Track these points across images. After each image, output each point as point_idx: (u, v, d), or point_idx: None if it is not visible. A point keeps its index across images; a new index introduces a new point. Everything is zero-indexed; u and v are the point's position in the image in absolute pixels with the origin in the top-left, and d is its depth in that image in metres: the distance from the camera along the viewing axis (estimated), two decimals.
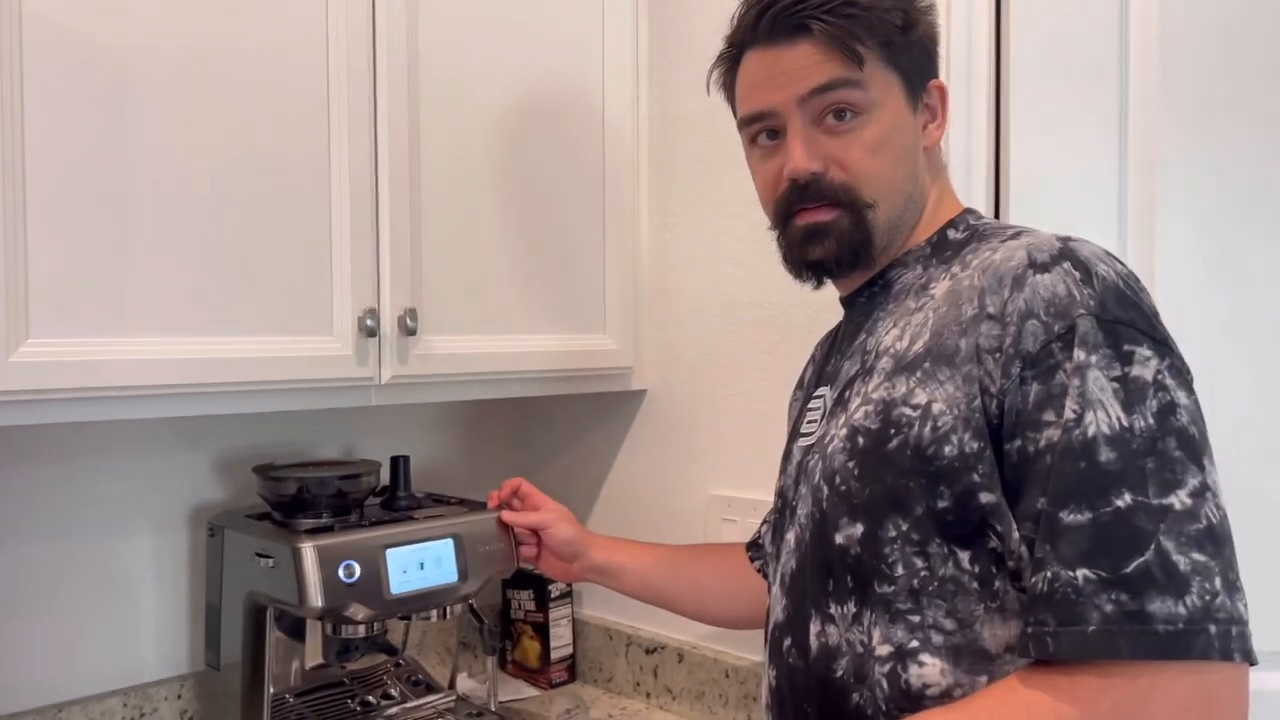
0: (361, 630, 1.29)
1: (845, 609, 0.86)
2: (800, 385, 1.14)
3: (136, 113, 1.07)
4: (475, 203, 1.39)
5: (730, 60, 0.98)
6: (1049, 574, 0.72)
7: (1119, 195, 1.25)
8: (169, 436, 1.43)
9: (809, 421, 0.99)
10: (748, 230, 1.48)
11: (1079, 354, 0.75)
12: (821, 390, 0.99)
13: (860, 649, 0.84)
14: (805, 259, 0.94)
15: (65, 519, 1.34)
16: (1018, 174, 1.26)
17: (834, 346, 1.05)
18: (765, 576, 1.18)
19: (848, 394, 0.92)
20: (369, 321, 1.24)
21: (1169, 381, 0.75)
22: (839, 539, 0.86)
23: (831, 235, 0.92)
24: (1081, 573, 0.71)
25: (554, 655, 1.68)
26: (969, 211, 0.97)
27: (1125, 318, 0.76)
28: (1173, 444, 0.73)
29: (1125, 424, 0.73)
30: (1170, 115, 1.25)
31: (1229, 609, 0.70)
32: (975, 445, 0.79)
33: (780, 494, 1.02)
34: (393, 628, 1.43)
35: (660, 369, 1.63)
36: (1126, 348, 0.75)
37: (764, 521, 1.22)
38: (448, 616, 1.33)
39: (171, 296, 1.10)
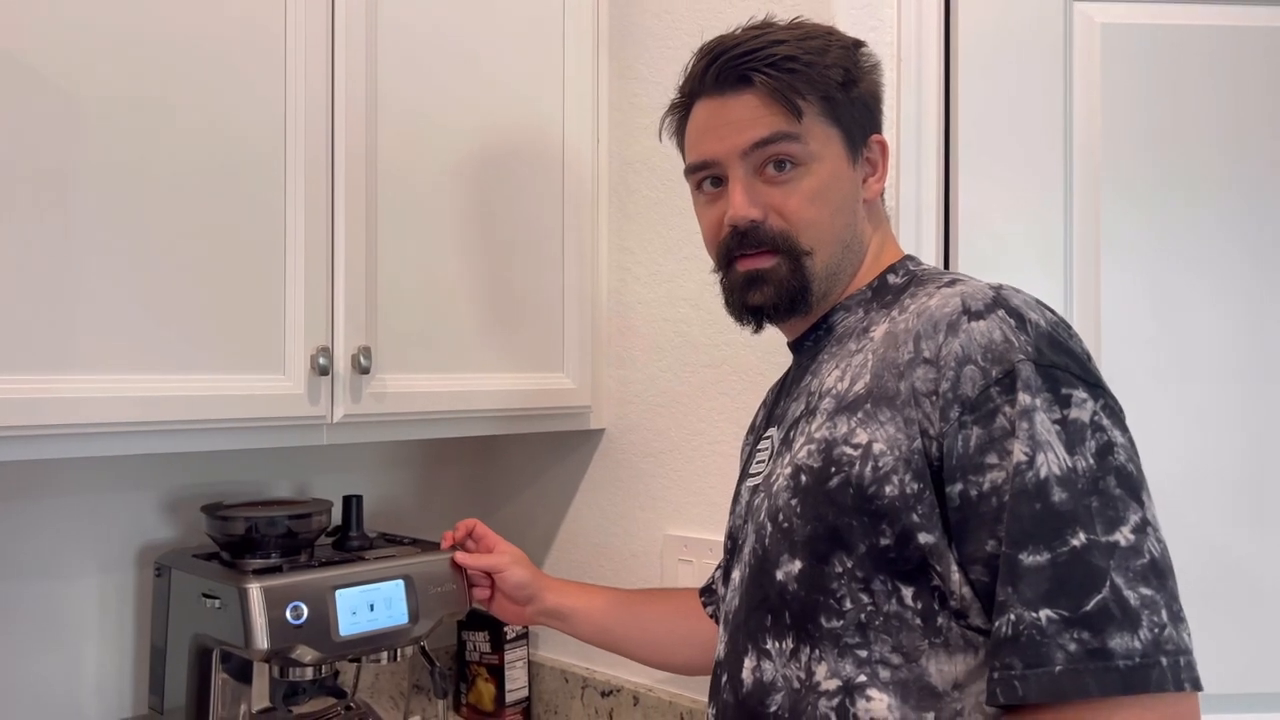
0: (309, 673, 1.27)
1: (783, 644, 0.86)
2: (751, 429, 1.15)
3: (83, 145, 1.06)
4: (433, 240, 1.39)
5: (681, 109, 1.02)
6: (1012, 617, 0.73)
7: (1064, 244, 1.29)
8: (115, 474, 1.40)
9: (757, 462, 1.00)
10: (702, 273, 1.49)
11: (1023, 398, 0.76)
12: (770, 432, 1.01)
13: (798, 684, 0.84)
14: (745, 303, 0.97)
15: (6, 559, 1.31)
16: (966, 224, 1.29)
17: (783, 389, 1.06)
18: (717, 622, 1.18)
19: (793, 434, 0.94)
20: (321, 360, 1.23)
21: (1105, 421, 0.77)
22: (779, 575, 0.87)
23: (770, 281, 0.95)
24: (1044, 613, 0.72)
25: (509, 698, 1.66)
26: (909, 258, 1.00)
27: (1060, 362, 0.78)
28: (1113, 482, 0.75)
29: (1069, 464, 0.75)
30: (1112, 170, 1.29)
31: (1176, 640, 0.72)
32: (915, 486, 0.80)
33: (729, 535, 1.03)
34: (343, 670, 1.41)
35: (618, 408, 1.63)
36: (1064, 391, 0.77)
37: (718, 567, 1.22)
38: (399, 659, 1.31)
39: (119, 333, 1.09)
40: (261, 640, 1.15)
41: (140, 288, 1.11)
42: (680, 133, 1.03)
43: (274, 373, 1.21)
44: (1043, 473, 0.74)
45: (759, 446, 1.02)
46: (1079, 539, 0.73)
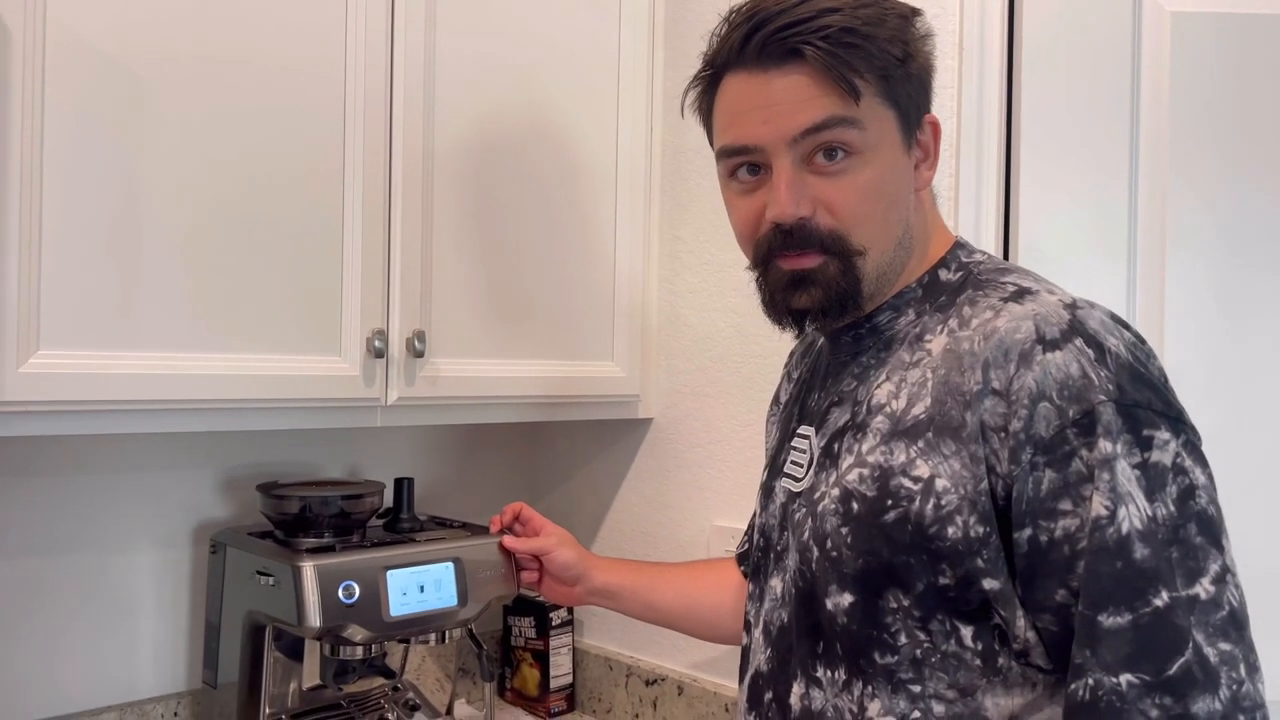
0: (359, 652, 1.28)
1: (835, 674, 0.84)
2: (776, 401, 1.11)
3: (152, 127, 1.09)
4: (486, 226, 1.40)
5: (709, 81, 0.89)
6: (1090, 681, 0.70)
7: (1129, 236, 1.26)
8: (173, 452, 1.43)
9: (793, 462, 0.95)
10: None
11: (1104, 445, 0.72)
12: (805, 430, 0.95)
13: (849, 717, 0.82)
14: (789, 306, 0.87)
15: (67, 533, 1.34)
16: (1027, 215, 1.27)
17: (814, 374, 1.00)
18: None
19: (837, 447, 0.88)
20: (377, 342, 1.24)
21: (1186, 463, 0.73)
22: (829, 604, 0.84)
23: (818, 283, 0.85)
24: (1125, 678, 0.69)
25: (553, 684, 1.67)
26: (959, 246, 0.92)
27: (1142, 399, 0.74)
28: (1194, 530, 0.72)
29: (1150, 514, 0.71)
30: (1179, 161, 1.26)
31: (1253, 696, 0.70)
32: (981, 530, 0.76)
33: (761, 531, 0.99)
34: (392, 651, 1.42)
35: (666, 398, 1.63)
36: (1146, 433, 0.73)
37: (748, 529, 1.21)
38: (446, 641, 1.32)
39: (181, 312, 1.11)
40: (314, 618, 1.17)
41: (201, 267, 1.12)
42: (707, 109, 0.91)
43: (331, 354, 1.23)
44: (1124, 528, 0.71)
45: (794, 444, 0.96)
46: (1161, 599, 0.70)
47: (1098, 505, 0.71)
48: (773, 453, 1.04)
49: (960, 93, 1.26)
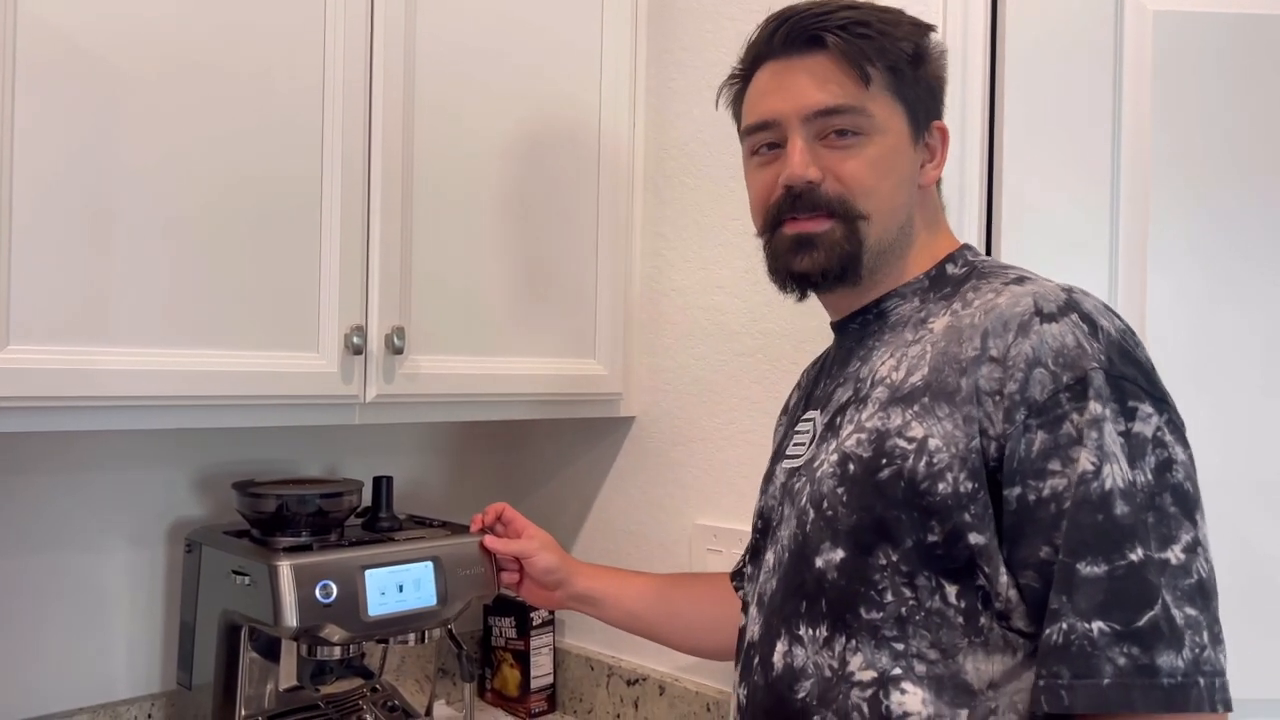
0: (337, 652, 1.27)
1: (816, 632, 0.86)
2: (785, 411, 1.14)
3: (127, 120, 1.07)
4: (468, 223, 1.38)
5: (743, 78, 0.99)
6: (1064, 625, 0.74)
7: (1110, 236, 1.26)
8: (148, 449, 1.41)
9: (795, 444, 0.98)
10: (739, 259, 1.48)
11: (1094, 407, 0.76)
12: (810, 414, 0.99)
13: (829, 673, 0.84)
14: (790, 268, 0.94)
15: (39, 532, 1.32)
16: (1010, 214, 1.27)
17: (823, 370, 1.04)
18: (747, 606, 1.17)
19: (839, 420, 0.92)
20: (355, 339, 1.23)
21: (1167, 438, 0.77)
22: (818, 562, 0.86)
23: (821, 246, 0.91)
24: (1097, 625, 0.73)
25: (534, 684, 1.66)
26: (967, 248, 0.98)
27: (1129, 374, 0.78)
28: (1169, 499, 0.75)
29: (1130, 478, 0.75)
30: (1162, 162, 1.27)
31: (1214, 661, 0.73)
32: (970, 486, 0.79)
33: (761, 514, 1.01)
34: (370, 651, 1.41)
35: (649, 395, 1.62)
36: (1130, 403, 0.77)
37: (746, 550, 1.21)
38: (426, 641, 1.31)
39: (156, 307, 1.09)
40: (291, 618, 1.15)
41: (177, 262, 1.11)
42: (738, 100, 1.00)
43: (309, 350, 1.21)
44: (1107, 484, 0.74)
45: (797, 429, 1.00)
46: (1136, 554, 0.73)
47: (1085, 461, 0.75)
48: (776, 446, 1.07)
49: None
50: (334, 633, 1.19)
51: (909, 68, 0.92)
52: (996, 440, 0.78)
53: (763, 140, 0.95)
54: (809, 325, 1.36)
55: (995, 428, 0.78)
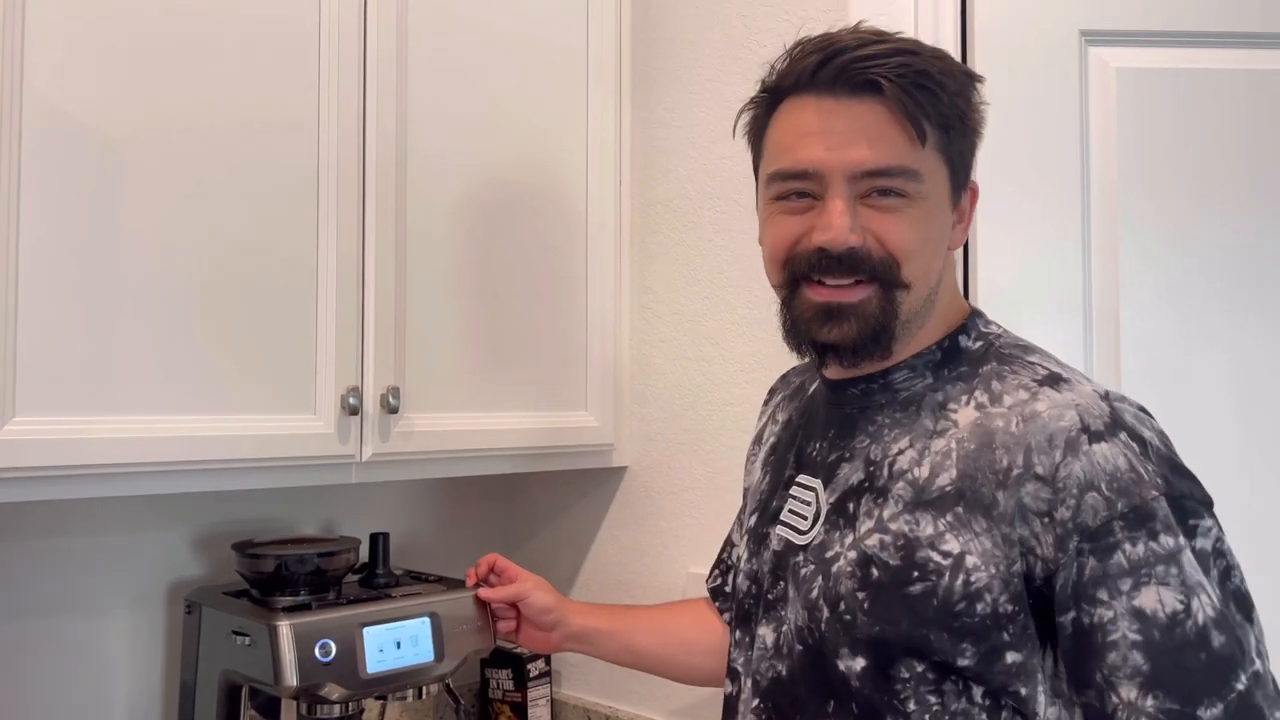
0: (337, 710, 1.27)
1: None
2: (758, 440, 1.10)
3: (127, 193, 1.10)
4: (459, 282, 1.42)
5: (768, 104, 0.89)
6: None
7: (1084, 284, 1.29)
8: (147, 512, 1.42)
9: (793, 512, 0.94)
10: (725, 312, 1.52)
11: (1166, 540, 0.74)
12: (809, 480, 0.93)
13: None
14: (815, 339, 0.86)
15: (40, 596, 1.33)
16: (985, 264, 1.30)
17: (811, 422, 0.98)
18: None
19: (853, 507, 0.87)
20: (352, 400, 1.25)
21: (1224, 545, 0.78)
22: (841, 667, 0.84)
23: (854, 317, 0.84)
24: None
25: None
26: (977, 315, 0.92)
27: (1185, 489, 0.77)
28: (1234, 609, 0.76)
29: (1217, 606, 0.75)
30: (1129, 214, 1.30)
31: None
32: (1010, 608, 0.78)
33: (751, 578, 0.98)
34: (369, 708, 1.42)
35: (640, 445, 1.64)
36: (1192, 521, 0.76)
37: (716, 564, 1.21)
38: (424, 696, 1.32)
39: (155, 374, 1.12)
40: (291, 677, 1.17)
41: (176, 330, 1.14)
42: (760, 130, 0.90)
43: (306, 413, 1.24)
44: (1200, 619, 0.73)
45: (792, 492, 0.95)
46: (1240, 682, 0.73)
47: (1171, 600, 0.74)
48: (763, 497, 1.02)
49: None
50: (333, 691, 1.20)
51: (960, 124, 0.85)
52: (1046, 562, 0.76)
53: (794, 189, 0.85)
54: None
55: (1046, 550, 0.76)
